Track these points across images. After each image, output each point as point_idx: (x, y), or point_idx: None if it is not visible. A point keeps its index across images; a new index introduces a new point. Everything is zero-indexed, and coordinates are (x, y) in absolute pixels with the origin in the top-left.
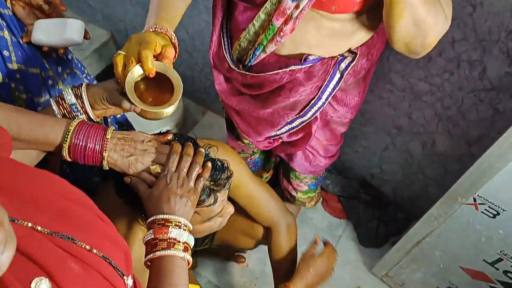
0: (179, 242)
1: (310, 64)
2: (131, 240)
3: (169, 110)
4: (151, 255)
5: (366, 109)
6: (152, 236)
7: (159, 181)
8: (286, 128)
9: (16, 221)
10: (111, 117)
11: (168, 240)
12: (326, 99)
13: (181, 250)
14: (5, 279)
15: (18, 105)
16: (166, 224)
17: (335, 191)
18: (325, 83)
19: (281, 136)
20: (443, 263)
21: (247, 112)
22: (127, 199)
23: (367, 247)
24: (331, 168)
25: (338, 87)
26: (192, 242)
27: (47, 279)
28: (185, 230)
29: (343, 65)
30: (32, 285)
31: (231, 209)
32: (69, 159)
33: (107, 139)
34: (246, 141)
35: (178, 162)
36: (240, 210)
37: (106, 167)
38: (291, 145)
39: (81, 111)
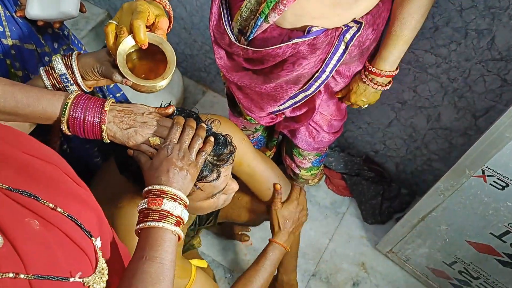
0: (172, 215)
1: (313, 36)
2: (134, 216)
3: (162, 83)
4: (141, 224)
5: None
6: (146, 206)
7: (160, 151)
8: (289, 102)
9: None
10: (110, 95)
11: (160, 212)
12: (330, 72)
13: (172, 224)
14: None
15: None
16: (161, 195)
17: (338, 168)
18: (329, 56)
19: (284, 111)
20: (448, 237)
21: (249, 88)
22: (130, 176)
23: (371, 224)
24: (334, 145)
25: (343, 59)
26: (186, 217)
27: (0, 235)
28: (180, 204)
29: (348, 36)
30: None
31: (235, 186)
32: (69, 133)
33: (105, 111)
34: (248, 118)
35: (180, 134)
36: (244, 186)
37: (106, 139)
38: (294, 120)
39: (72, 82)
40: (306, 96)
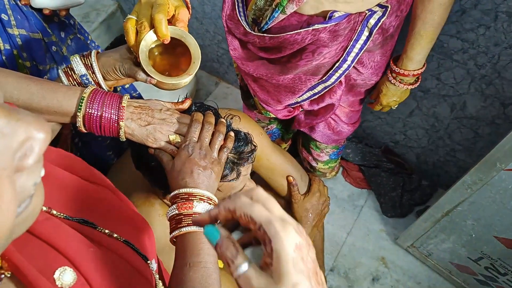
0: None
1: (335, 22)
2: (151, 216)
3: (186, 79)
4: (176, 231)
5: None
6: (176, 212)
7: (180, 152)
8: (308, 94)
9: None
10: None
11: (193, 215)
12: (352, 61)
13: None
14: (26, 270)
15: None
16: (189, 198)
17: (356, 160)
18: (351, 43)
19: (302, 103)
20: (475, 233)
21: (265, 79)
22: (146, 172)
23: (391, 217)
24: (351, 136)
25: (366, 46)
26: None
27: (71, 268)
28: (210, 204)
29: (372, 21)
30: (56, 275)
31: (253, 187)
32: (84, 130)
33: (123, 107)
34: (264, 111)
35: (200, 131)
36: (262, 181)
37: (123, 137)
38: (313, 115)
39: (92, 82)
40: (325, 88)
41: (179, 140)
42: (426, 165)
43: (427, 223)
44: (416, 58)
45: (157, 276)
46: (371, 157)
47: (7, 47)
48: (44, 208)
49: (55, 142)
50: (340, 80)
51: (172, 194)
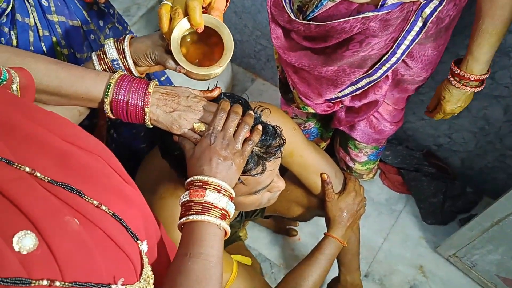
0: (216, 207)
1: (387, 11)
2: (177, 209)
3: (217, 71)
4: (184, 218)
5: (438, 69)
6: (188, 198)
7: (202, 139)
8: (350, 89)
9: (11, 164)
10: (154, 78)
11: (203, 204)
12: (402, 54)
13: (217, 217)
14: None
15: None
16: (203, 186)
17: (395, 163)
18: (403, 34)
19: (343, 99)
20: None
21: (307, 70)
22: (171, 161)
23: (431, 224)
24: (391, 138)
25: (418, 38)
26: (232, 210)
27: (34, 234)
28: (224, 195)
29: (427, 11)
30: (14, 239)
31: (281, 184)
32: (112, 116)
33: (149, 93)
34: (302, 105)
35: (225, 121)
36: (294, 178)
37: (148, 123)
38: (354, 112)
39: (123, 68)
40: (370, 82)
41: (203, 129)
42: (472, 171)
43: (473, 232)
44: (483, 58)
45: (147, 259)
46: (411, 160)
47: (46, 33)
48: (28, 169)
49: (91, 133)
50: (387, 75)
51: (187, 180)
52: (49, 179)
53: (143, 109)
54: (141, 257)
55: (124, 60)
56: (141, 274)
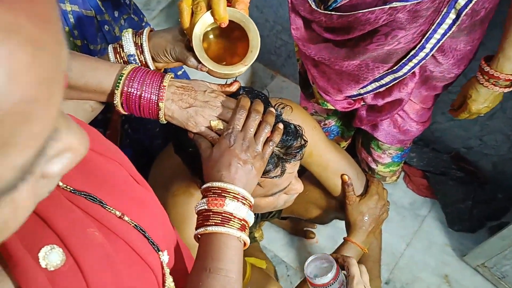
0: (235, 218)
1: (417, 1)
2: (190, 208)
3: (241, 70)
4: (201, 229)
5: (471, 66)
6: (205, 207)
7: (221, 140)
8: (373, 86)
9: None
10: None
11: (223, 214)
12: (431, 49)
13: (236, 229)
14: (11, 245)
15: None
16: (222, 194)
17: (421, 165)
18: (433, 27)
19: (365, 96)
20: None
21: (327, 64)
22: (185, 157)
23: (458, 231)
24: (417, 139)
25: (450, 32)
26: (251, 220)
27: (61, 248)
28: (244, 204)
29: (461, 2)
30: (41, 254)
31: (299, 187)
32: (122, 111)
33: (164, 87)
34: (321, 101)
35: (245, 120)
36: (313, 179)
37: (162, 119)
38: (376, 110)
39: (140, 64)
40: (394, 79)
41: (222, 127)
42: (504, 176)
43: (505, 241)
44: None
45: (168, 270)
46: (438, 163)
47: None
48: None
49: (104, 128)
50: (414, 71)
51: (204, 186)
52: (72, 188)
53: (157, 104)
54: (162, 268)
55: (142, 55)
56: (164, 286)
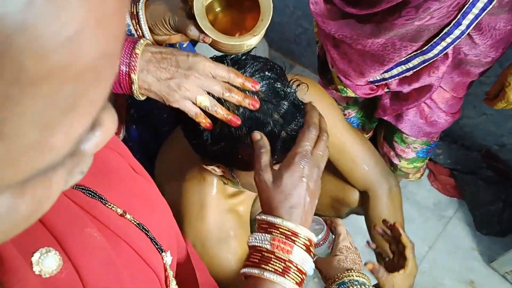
0: (298, 270)
1: None
2: (203, 195)
3: (251, 42)
4: (256, 271)
5: (507, 55)
6: (268, 247)
7: (293, 166)
8: (399, 69)
9: None
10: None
11: (286, 263)
12: (468, 26)
13: (295, 283)
14: (1, 247)
15: None
16: (292, 238)
17: (448, 163)
18: (472, 1)
19: (389, 81)
20: None
21: (348, 43)
22: (198, 148)
23: (486, 235)
24: (444, 135)
25: (491, 6)
26: (310, 274)
27: (57, 252)
28: (309, 255)
29: None
30: (34, 258)
31: None
32: None
33: (136, 54)
34: (340, 87)
35: (306, 135)
36: (329, 168)
37: (138, 95)
38: (402, 99)
39: (136, 35)
40: (424, 62)
41: (208, 104)
42: None
43: None
44: None
45: (171, 272)
46: (467, 161)
47: None
48: None
49: None
50: (447, 53)
51: (267, 218)
52: None
53: (129, 75)
54: (165, 270)
55: (138, 26)
56: None
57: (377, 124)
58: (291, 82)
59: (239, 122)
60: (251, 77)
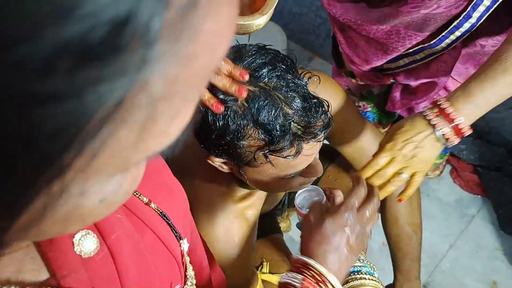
0: None
1: None
2: (213, 204)
3: (259, 21)
4: None
5: None
6: (299, 286)
7: (338, 215)
8: (405, 60)
9: None
10: None
11: None
12: (478, 19)
13: None
14: None
15: None
16: (321, 283)
17: (471, 159)
18: None
19: (395, 72)
20: None
21: (354, 29)
22: (201, 138)
23: (511, 234)
24: None
25: None
26: None
27: (95, 234)
28: None
29: None
30: (75, 239)
31: (317, 170)
32: None
33: None
34: (349, 69)
35: (353, 193)
36: (343, 163)
37: None
38: (411, 92)
39: None
40: (431, 55)
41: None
42: None
43: None
44: None
45: (188, 258)
46: (492, 157)
47: None
48: None
49: None
50: (455, 46)
51: (302, 257)
52: None
53: None
54: (183, 256)
55: None
56: (186, 276)
57: (396, 119)
58: (302, 74)
59: (222, 109)
60: (258, 69)
